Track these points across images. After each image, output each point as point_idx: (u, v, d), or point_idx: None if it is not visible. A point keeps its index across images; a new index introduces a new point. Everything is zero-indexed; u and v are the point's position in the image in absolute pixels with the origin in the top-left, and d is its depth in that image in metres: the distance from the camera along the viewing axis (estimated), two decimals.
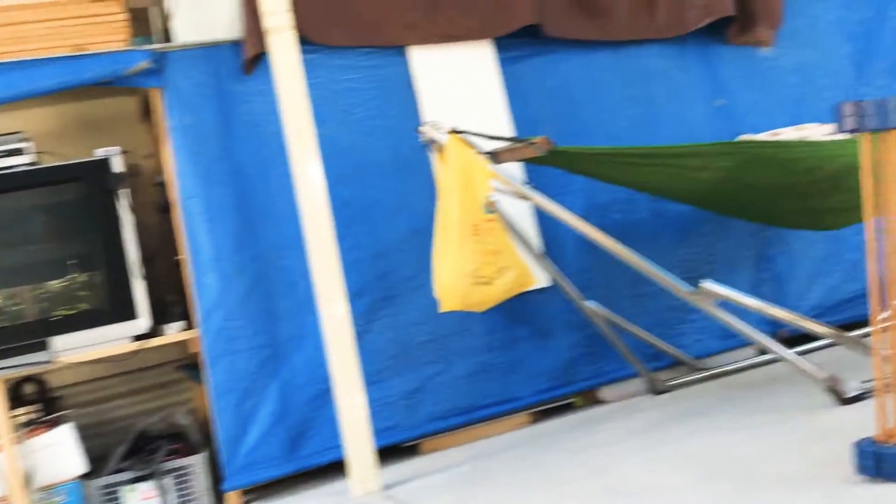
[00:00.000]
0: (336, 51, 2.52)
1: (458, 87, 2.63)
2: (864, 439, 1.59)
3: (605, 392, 2.76)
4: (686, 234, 2.84)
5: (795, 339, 2.68)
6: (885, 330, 1.55)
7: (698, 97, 2.89)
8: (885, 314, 1.54)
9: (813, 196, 2.29)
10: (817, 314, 2.84)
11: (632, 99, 2.83)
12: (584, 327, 2.66)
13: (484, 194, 2.11)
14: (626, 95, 2.83)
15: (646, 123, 2.81)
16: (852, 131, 1.37)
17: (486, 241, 2.14)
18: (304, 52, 2.21)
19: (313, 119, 2.14)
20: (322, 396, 2.39)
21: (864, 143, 1.40)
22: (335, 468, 2.34)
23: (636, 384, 2.72)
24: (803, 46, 3.01)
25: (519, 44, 2.73)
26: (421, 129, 2.22)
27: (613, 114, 2.80)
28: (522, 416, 2.67)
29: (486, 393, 2.62)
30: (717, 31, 2.92)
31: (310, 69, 2.24)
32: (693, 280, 2.37)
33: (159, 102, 2.47)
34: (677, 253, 2.81)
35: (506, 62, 2.72)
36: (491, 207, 2.11)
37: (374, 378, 2.45)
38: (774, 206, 2.43)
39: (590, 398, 2.77)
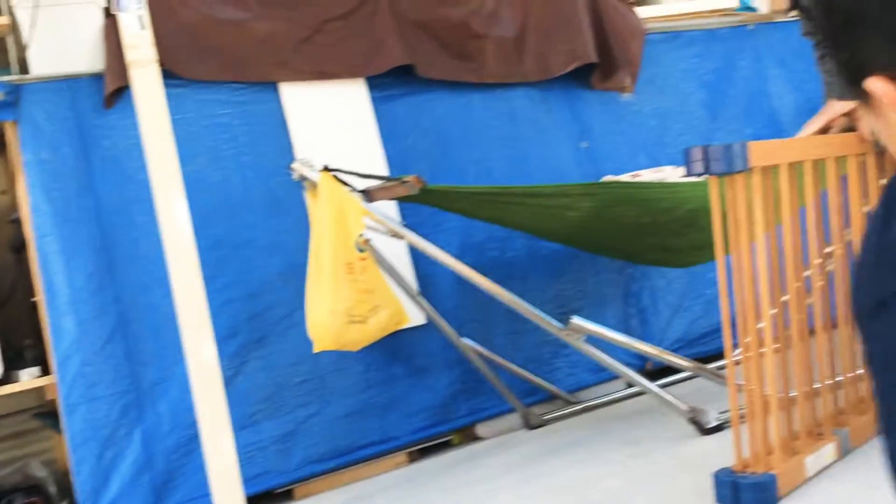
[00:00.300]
0: (204, 85, 2.47)
1: (332, 125, 2.62)
2: (721, 470, 1.66)
3: (482, 428, 2.77)
4: (559, 271, 2.92)
5: (662, 370, 2.80)
6: (738, 363, 1.63)
7: (565, 139, 2.99)
8: (738, 349, 1.63)
9: (671, 234, 2.41)
10: (679, 347, 2.98)
11: (503, 140, 2.90)
12: (460, 364, 2.67)
13: (357, 232, 2.10)
14: (497, 136, 2.89)
15: (516, 163, 2.89)
16: (700, 175, 1.45)
17: (359, 280, 2.12)
18: (171, 86, 2.15)
19: (180, 155, 2.07)
20: (189, 443, 2.29)
21: (713, 186, 1.48)
22: None
23: (512, 419, 2.76)
24: (661, 93, 3.18)
25: (393, 83, 2.75)
26: (292, 166, 2.19)
27: (485, 154, 2.86)
28: (401, 456, 2.64)
29: (364, 433, 2.58)
30: (582, 77, 3.04)
31: (176, 104, 2.18)
32: (566, 315, 2.43)
33: (14, 136, 2.34)
34: (551, 289, 2.88)
35: (380, 101, 2.73)
36: (363, 246, 2.10)
37: (245, 422, 2.38)
38: (636, 243, 2.53)
39: (467, 435, 2.78)
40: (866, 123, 0.67)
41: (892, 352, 0.53)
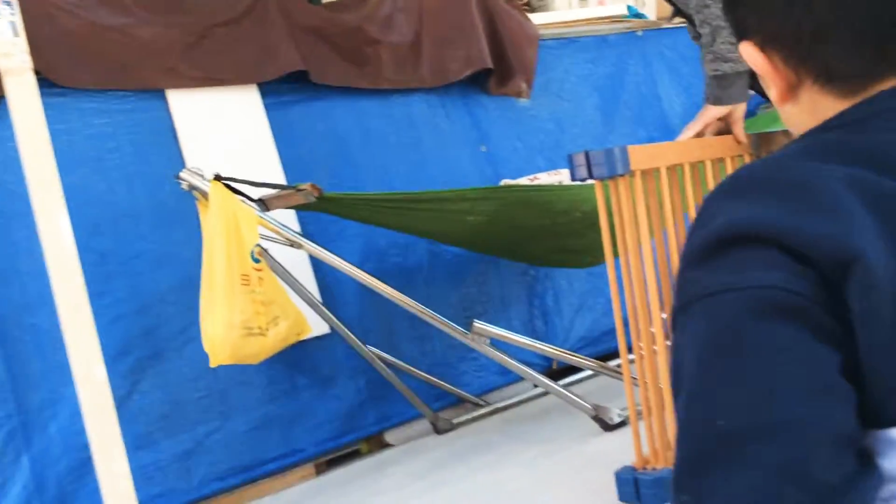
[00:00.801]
0: (87, 94, 2.36)
1: (223, 133, 2.55)
2: (623, 468, 1.69)
3: (391, 436, 2.76)
4: (462, 275, 2.93)
5: (568, 369, 2.85)
6: (633, 361, 1.67)
7: (464, 144, 3.01)
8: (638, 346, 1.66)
9: (570, 236, 2.45)
10: (583, 345, 3.04)
11: (402, 145, 2.89)
12: (366, 372, 2.65)
13: (252, 243, 2.05)
14: (396, 142, 2.89)
15: (416, 169, 2.89)
16: (584, 180, 1.48)
17: (256, 291, 2.07)
18: (50, 95, 2.04)
19: (62, 166, 1.96)
20: (82, 467, 2.19)
21: (597, 190, 1.51)
22: None
23: (421, 425, 2.75)
24: (557, 97, 3.24)
25: (286, 89, 2.71)
26: (181, 175, 2.13)
27: (385, 159, 2.85)
28: (308, 468, 2.60)
29: (268, 447, 2.52)
30: (479, 83, 3.07)
31: (57, 113, 2.09)
32: (471, 319, 2.45)
33: None
34: (455, 293, 2.89)
35: (273, 107, 2.68)
36: (259, 256, 2.05)
37: (142, 442, 2.29)
38: (536, 246, 2.57)
39: (376, 443, 2.75)
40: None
41: (675, 365, 0.54)
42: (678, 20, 2.22)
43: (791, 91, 0.61)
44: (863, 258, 0.48)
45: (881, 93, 0.57)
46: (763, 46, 0.61)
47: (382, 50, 2.84)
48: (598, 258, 2.70)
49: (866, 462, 0.48)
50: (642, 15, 3.55)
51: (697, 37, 2.07)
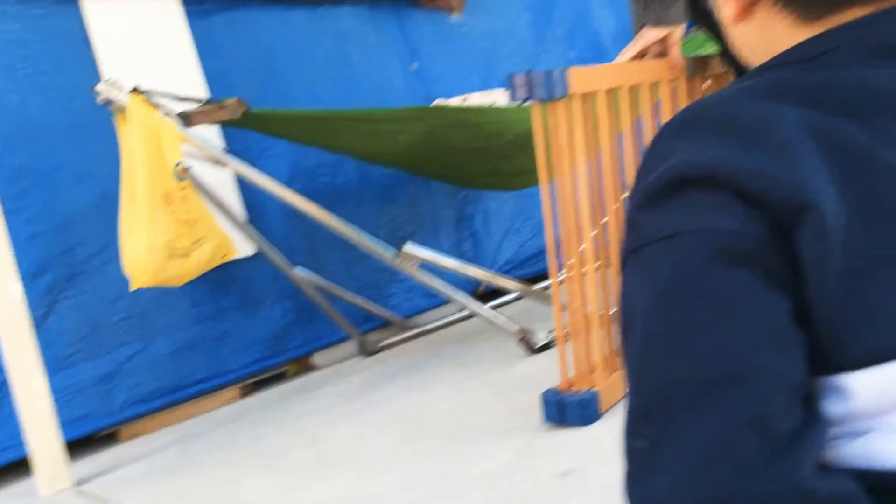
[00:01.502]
0: None
1: (142, 42, 2.41)
2: (548, 390, 1.72)
3: (318, 358, 2.75)
4: (392, 197, 2.89)
5: (495, 291, 2.87)
6: (562, 283, 1.68)
7: (394, 60, 2.93)
8: (562, 270, 1.67)
9: (502, 158, 2.43)
10: (510, 268, 3.06)
11: (330, 60, 2.79)
12: (293, 295, 2.61)
13: (174, 160, 1.97)
14: (324, 56, 2.78)
15: (345, 85, 2.80)
16: (523, 101, 1.45)
17: (179, 211, 2.00)
18: None
19: None
20: (0, 388, 2.12)
21: (535, 112, 1.49)
22: (21, 467, 2.09)
23: (348, 347, 2.75)
24: (489, 15, 3.16)
25: None
26: (97, 88, 2.00)
27: (313, 74, 2.75)
28: (233, 391, 2.57)
29: (193, 369, 2.49)
30: None
31: None
32: (400, 241, 2.42)
33: None
34: (384, 214, 2.86)
35: (195, 16, 2.53)
36: (182, 175, 1.97)
37: (61, 364, 2.22)
38: (468, 168, 2.54)
39: (302, 365, 2.74)
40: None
41: (626, 308, 0.53)
42: None
43: (747, 10, 0.58)
44: (816, 205, 0.47)
45: (841, 25, 0.54)
46: None
47: None
48: (528, 181, 2.70)
49: (811, 408, 0.49)
50: None
51: None
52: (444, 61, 3.03)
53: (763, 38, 0.59)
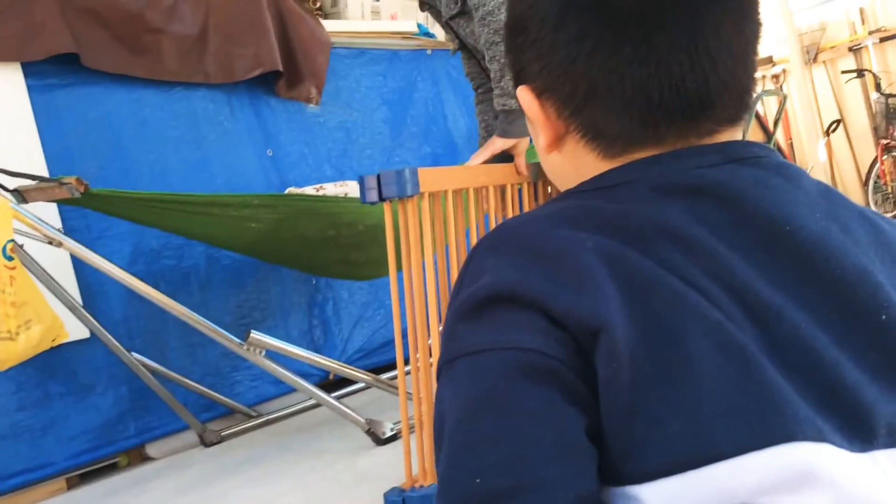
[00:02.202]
0: None
1: None
2: (391, 490, 1.71)
3: (153, 448, 2.60)
4: (241, 281, 2.84)
5: (344, 380, 2.84)
6: (408, 374, 1.70)
7: (249, 145, 2.92)
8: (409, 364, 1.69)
9: (353, 248, 2.45)
10: (360, 357, 3.05)
11: (182, 141, 2.75)
12: (128, 381, 2.48)
13: (5, 238, 1.85)
14: (176, 137, 2.74)
15: (197, 167, 2.76)
16: (375, 202, 1.49)
17: (7, 292, 1.87)
18: None
19: None
20: None
21: (386, 209, 1.53)
22: None
23: (187, 437, 2.62)
24: (347, 106, 3.24)
25: (54, 71, 2.49)
26: None
27: (162, 154, 2.69)
28: (59, 483, 2.39)
29: (14, 460, 2.29)
30: (268, 84, 2.99)
31: None
32: (247, 327, 2.37)
33: None
34: (232, 299, 2.79)
35: (38, 90, 2.45)
36: (12, 253, 1.85)
37: None
38: (319, 256, 2.54)
39: (136, 456, 2.59)
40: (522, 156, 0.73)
41: (438, 417, 0.56)
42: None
43: (558, 141, 0.65)
44: (608, 328, 0.51)
45: (634, 162, 0.61)
46: (540, 94, 0.64)
47: (164, 39, 2.69)
48: (379, 272, 2.74)
49: None
50: (432, 34, 3.65)
51: (474, 73, 2.16)
52: (299, 149, 3.05)
53: (572, 166, 0.65)
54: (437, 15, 2.14)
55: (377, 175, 1.45)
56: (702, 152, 0.60)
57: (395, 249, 1.61)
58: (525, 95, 0.65)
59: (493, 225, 1.82)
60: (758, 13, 0.62)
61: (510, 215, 1.80)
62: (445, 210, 1.60)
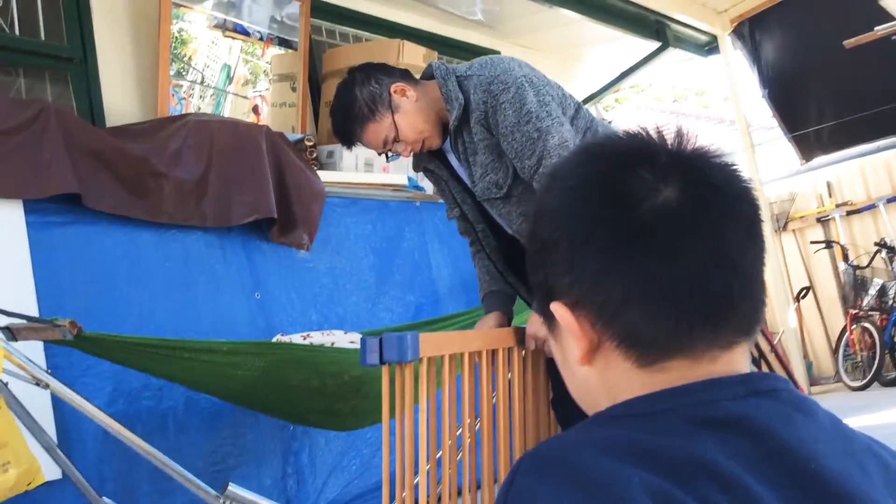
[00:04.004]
0: None
1: None
2: None
3: None
4: (217, 426, 2.79)
5: None
6: None
7: (238, 288, 2.96)
8: None
9: (337, 399, 2.45)
10: None
11: (173, 282, 2.79)
12: None
13: None
14: (167, 278, 2.78)
15: (185, 308, 2.78)
16: (375, 365, 1.51)
17: None
18: None
19: None
20: None
21: (384, 372, 1.55)
22: None
23: None
24: (335, 253, 3.31)
25: (54, 209, 2.55)
26: None
27: (153, 295, 2.72)
28: None
29: None
30: (260, 228, 3.07)
31: None
32: (221, 473, 2.31)
33: None
34: (207, 443, 2.74)
35: (37, 227, 2.50)
36: None
37: None
38: (302, 405, 2.53)
39: None
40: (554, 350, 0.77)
41: None
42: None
43: (592, 353, 0.68)
44: None
45: (665, 391, 0.65)
46: (573, 307, 0.68)
47: (166, 183, 2.77)
48: (362, 422, 2.72)
49: None
50: (421, 188, 3.79)
51: (469, 231, 2.25)
52: (286, 294, 3.10)
53: (602, 379, 0.69)
54: (436, 180, 2.24)
55: (380, 338, 1.48)
56: (726, 384, 0.65)
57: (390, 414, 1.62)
58: (559, 309, 0.68)
59: (483, 390, 1.85)
60: (763, 239, 0.69)
61: (500, 379, 1.84)
62: (441, 374, 1.63)
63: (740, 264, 0.65)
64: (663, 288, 0.64)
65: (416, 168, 2.29)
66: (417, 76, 2.15)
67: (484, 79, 1.96)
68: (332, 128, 2.13)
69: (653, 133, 0.71)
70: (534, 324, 1.94)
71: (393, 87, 2.03)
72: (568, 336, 0.69)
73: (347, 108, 2.05)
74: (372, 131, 2.05)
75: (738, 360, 0.68)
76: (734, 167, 0.70)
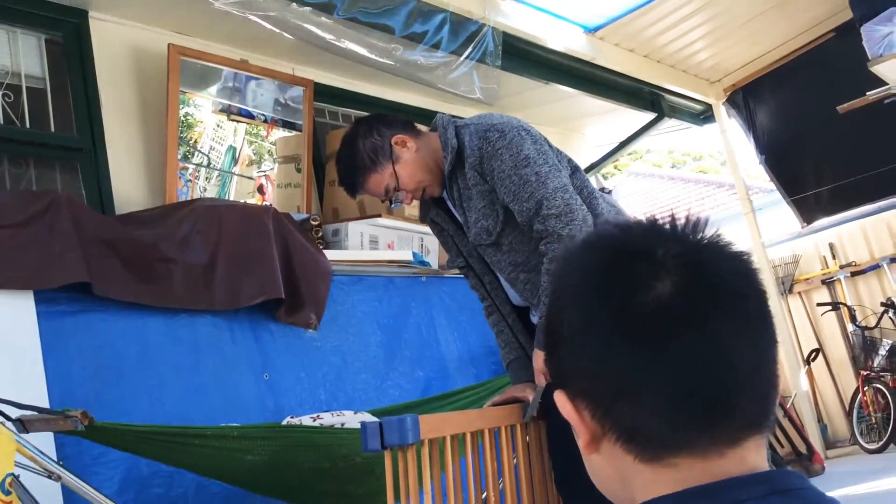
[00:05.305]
0: None
1: None
2: None
3: None
4: None
5: None
6: None
7: (247, 369, 2.97)
8: None
9: (349, 481, 2.43)
10: None
11: (182, 366, 2.80)
12: None
13: (5, 471, 1.85)
14: (176, 363, 2.79)
15: (195, 392, 2.79)
16: (377, 450, 1.53)
17: None
18: None
19: None
20: None
21: (386, 455, 1.57)
22: None
23: None
24: (343, 331, 3.33)
25: (64, 298, 2.58)
26: None
27: (162, 380, 2.73)
28: None
29: None
30: (268, 308, 3.10)
31: None
32: None
33: None
34: None
35: (47, 316, 2.53)
36: (10, 487, 1.85)
37: None
38: (314, 488, 2.51)
39: None
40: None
41: None
42: (455, 271, 2.48)
43: (595, 442, 0.69)
44: None
45: (684, 491, 0.64)
46: (574, 397, 0.69)
47: (175, 269, 2.82)
48: None
49: None
50: (426, 263, 3.84)
51: (478, 287, 2.29)
52: (295, 373, 3.11)
53: (614, 469, 0.69)
54: (440, 231, 2.29)
55: (379, 423, 1.50)
56: (746, 484, 0.64)
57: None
58: (560, 398, 0.70)
59: (486, 455, 1.85)
60: (770, 326, 0.68)
61: (505, 458, 1.85)
62: (444, 457, 1.64)
63: (736, 361, 0.64)
64: (654, 384, 0.64)
65: (423, 220, 2.36)
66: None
67: (480, 126, 2.05)
68: (338, 178, 2.21)
69: (661, 222, 0.70)
70: (538, 359, 1.97)
71: (394, 139, 2.12)
72: (572, 424, 0.70)
73: (351, 158, 2.14)
74: (374, 181, 2.13)
75: (750, 456, 0.66)
76: (745, 257, 0.69)
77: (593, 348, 0.67)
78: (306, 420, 2.49)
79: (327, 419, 2.47)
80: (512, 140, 1.97)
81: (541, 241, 1.94)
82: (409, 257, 3.74)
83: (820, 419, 5.99)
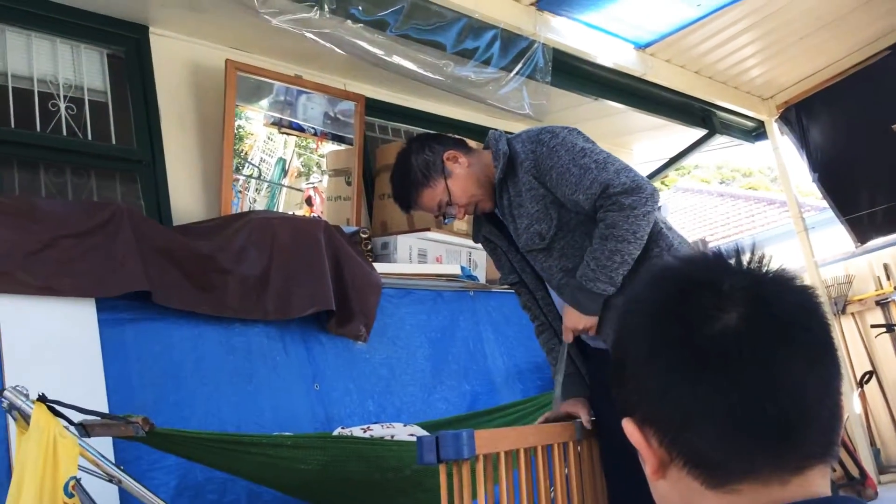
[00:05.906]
0: None
1: (51, 346, 2.43)
2: None
3: None
4: None
5: None
6: None
7: (298, 379, 3.02)
8: None
9: (398, 493, 2.46)
10: None
11: (236, 375, 2.86)
12: None
13: (69, 475, 1.91)
14: (230, 371, 2.85)
15: (247, 401, 2.84)
16: (432, 464, 1.55)
17: None
18: None
19: None
20: None
21: (441, 470, 1.58)
22: None
23: None
24: (392, 343, 3.37)
25: (125, 306, 2.66)
26: (4, 394, 1.99)
27: (216, 388, 2.79)
28: None
29: None
30: (319, 320, 3.15)
31: None
32: None
33: None
34: None
35: (108, 323, 2.60)
36: (73, 490, 1.91)
37: None
38: (363, 499, 2.54)
39: None
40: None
41: None
42: (505, 286, 2.47)
43: (662, 468, 0.70)
44: None
45: None
46: (641, 424, 0.71)
47: (231, 279, 2.88)
48: None
49: None
50: (474, 277, 3.85)
51: (530, 305, 2.29)
52: (344, 385, 3.15)
53: (680, 496, 0.70)
54: (493, 248, 2.30)
55: (436, 437, 1.52)
56: None
57: None
58: (628, 426, 0.71)
59: (539, 469, 1.86)
60: (834, 359, 0.69)
61: (557, 475, 1.85)
62: (497, 472, 1.66)
63: (801, 393, 0.65)
64: (719, 413, 0.65)
65: (476, 239, 2.38)
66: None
67: (532, 133, 2.10)
68: (392, 193, 2.25)
69: (726, 255, 0.72)
70: (570, 317, 1.98)
71: (446, 155, 2.16)
72: (640, 451, 0.72)
73: (404, 175, 2.18)
74: (427, 196, 2.18)
75: (813, 483, 0.67)
76: (809, 291, 0.71)
77: (659, 378, 0.69)
78: (357, 431, 2.52)
79: (377, 431, 2.50)
80: (565, 138, 2.02)
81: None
82: (458, 271, 3.76)
83: (873, 443, 5.85)
